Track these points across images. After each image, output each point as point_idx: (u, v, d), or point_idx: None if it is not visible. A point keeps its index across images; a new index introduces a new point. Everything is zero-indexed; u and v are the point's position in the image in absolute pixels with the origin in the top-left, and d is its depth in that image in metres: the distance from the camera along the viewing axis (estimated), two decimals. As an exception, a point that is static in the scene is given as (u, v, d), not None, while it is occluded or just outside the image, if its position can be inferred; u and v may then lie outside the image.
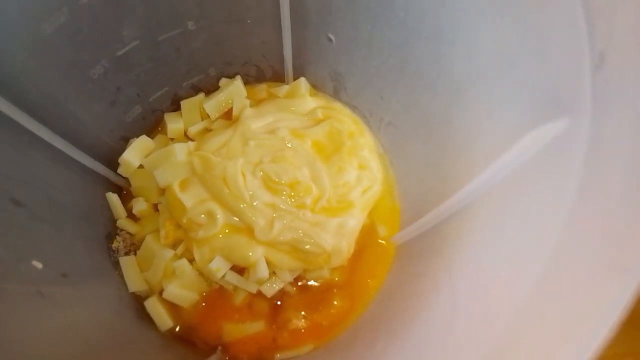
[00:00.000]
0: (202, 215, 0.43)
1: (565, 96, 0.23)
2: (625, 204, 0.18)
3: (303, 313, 0.45)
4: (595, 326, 0.17)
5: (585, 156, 0.21)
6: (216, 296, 0.46)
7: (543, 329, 0.22)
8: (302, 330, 0.45)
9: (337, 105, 0.53)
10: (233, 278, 0.44)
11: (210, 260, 0.42)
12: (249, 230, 0.42)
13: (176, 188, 0.43)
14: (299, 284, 0.47)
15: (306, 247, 0.42)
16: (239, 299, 0.45)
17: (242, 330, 0.44)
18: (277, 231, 0.42)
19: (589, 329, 0.17)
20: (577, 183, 0.21)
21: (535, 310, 0.23)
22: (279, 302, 0.46)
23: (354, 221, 0.45)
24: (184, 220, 0.43)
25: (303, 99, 0.51)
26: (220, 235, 0.43)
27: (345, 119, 0.50)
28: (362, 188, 0.46)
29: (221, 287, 0.45)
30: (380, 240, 0.48)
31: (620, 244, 0.17)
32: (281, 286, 0.45)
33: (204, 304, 0.45)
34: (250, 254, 0.42)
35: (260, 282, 0.44)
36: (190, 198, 0.43)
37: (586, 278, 0.19)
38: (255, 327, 0.45)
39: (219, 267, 0.42)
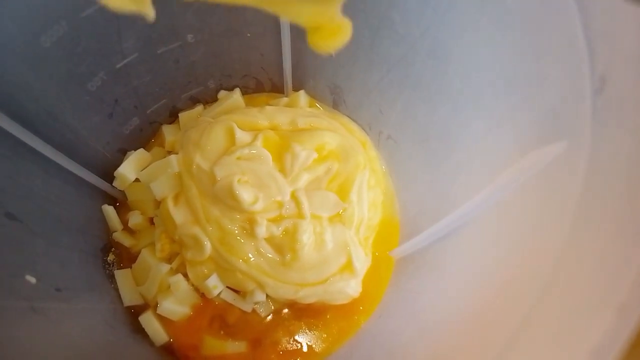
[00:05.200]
0: (190, 238, 0.42)
1: (565, 119, 0.23)
2: (623, 231, 0.18)
3: (296, 333, 0.45)
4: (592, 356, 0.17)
5: (584, 181, 0.21)
6: (204, 307, 0.45)
7: (541, 349, 0.21)
8: (294, 351, 0.44)
9: (345, 119, 0.53)
10: (229, 296, 0.43)
11: (206, 278, 0.42)
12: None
13: (170, 202, 0.43)
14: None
15: (336, 302, 0.43)
16: (233, 317, 0.44)
17: (223, 347, 0.44)
18: (301, 296, 0.42)
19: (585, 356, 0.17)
20: (575, 207, 0.21)
21: (534, 332, 0.23)
22: (269, 318, 0.45)
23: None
24: (176, 237, 0.42)
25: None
26: (211, 264, 0.42)
27: (355, 128, 0.51)
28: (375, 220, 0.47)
29: (211, 300, 0.45)
30: (377, 254, 0.48)
31: (617, 274, 0.17)
32: (276, 307, 0.45)
33: (191, 314, 0.45)
34: (248, 285, 0.42)
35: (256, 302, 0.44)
36: (180, 215, 0.42)
37: (581, 306, 0.18)
38: (236, 347, 0.44)
39: (215, 285, 0.42)
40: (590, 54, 0.21)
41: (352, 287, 0.43)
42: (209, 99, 0.53)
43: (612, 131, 0.20)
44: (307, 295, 0.42)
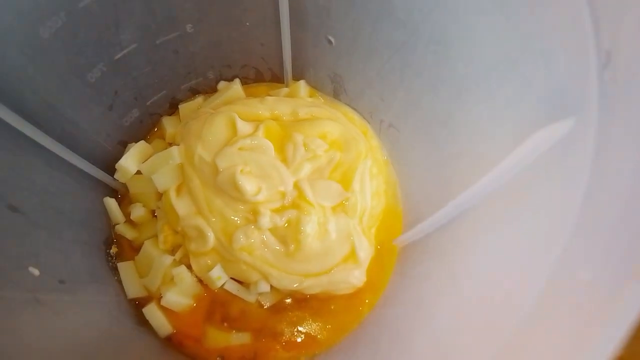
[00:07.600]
0: (193, 229, 0.42)
1: (571, 96, 0.22)
2: (633, 207, 0.18)
3: (300, 324, 0.45)
4: (603, 338, 0.17)
5: (593, 158, 0.21)
6: (208, 298, 0.45)
7: (550, 335, 0.21)
8: (298, 341, 0.44)
9: (346, 108, 0.53)
10: (233, 287, 0.43)
11: (209, 269, 0.42)
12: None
13: (172, 194, 0.43)
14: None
15: (340, 292, 0.43)
16: (236, 308, 0.44)
17: (226, 339, 0.44)
18: (305, 286, 0.42)
19: (596, 340, 0.17)
20: (584, 186, 0.21)
21: (542, 317, 0.22)
22: (273, 309, 0.45)
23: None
24: (179, 228, 0.42)
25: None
26: (215, 255, 0.42)
27: (356, 117, 0.51)
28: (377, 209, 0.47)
29: (214, 291, 0.45)
30: (379, 246, 0.48)
31: (627, 253, 0.16)
32: (280, 297, 0.45)
33: (194, 305, 0.45)
34: (252, 275, 0.42)
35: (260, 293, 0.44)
36: (183, 207, 0.42)
37: (592, 285, 0.18)
38: (239, 339, 0.44)
39: (219, 276, 0.42)
40: (595, 29, 0.21)
41: (356, 277, 0.43)
42: (209, 90, 0.53)
43: (620, 104, 0.20)
44: (312, 286, 0.42)
